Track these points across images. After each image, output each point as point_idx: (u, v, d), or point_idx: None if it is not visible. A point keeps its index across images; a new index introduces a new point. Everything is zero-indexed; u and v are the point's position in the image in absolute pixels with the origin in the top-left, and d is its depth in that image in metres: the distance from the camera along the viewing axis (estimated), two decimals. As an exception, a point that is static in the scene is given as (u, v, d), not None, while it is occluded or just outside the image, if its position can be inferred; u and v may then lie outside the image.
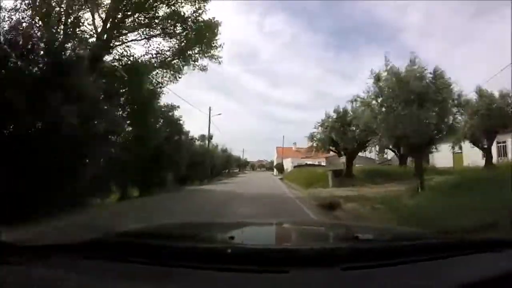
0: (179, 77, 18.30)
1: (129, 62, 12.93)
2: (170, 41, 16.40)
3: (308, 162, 39.34)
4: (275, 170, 50.05)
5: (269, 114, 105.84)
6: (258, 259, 0.85)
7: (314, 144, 17.05)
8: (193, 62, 18.35)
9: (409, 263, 0.90)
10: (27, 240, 1.05)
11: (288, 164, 41.37)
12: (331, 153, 29.73)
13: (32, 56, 6.78)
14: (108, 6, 12.96)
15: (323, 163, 39.35)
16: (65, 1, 11.55)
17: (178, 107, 15.04)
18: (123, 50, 13.51)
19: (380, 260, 0.88)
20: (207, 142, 26.91)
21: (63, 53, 7.24)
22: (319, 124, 16.92)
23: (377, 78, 10.08)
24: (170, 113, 14.78)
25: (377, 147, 13.50)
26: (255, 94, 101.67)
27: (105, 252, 0.92)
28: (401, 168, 20.57)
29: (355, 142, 15.50)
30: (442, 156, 25.32)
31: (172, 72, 18.20)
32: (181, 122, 15.85)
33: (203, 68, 18.70)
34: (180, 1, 14.37)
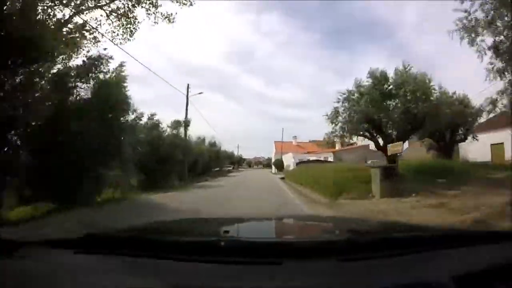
0: (134, 29, 12.41)
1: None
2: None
3: (312, 158, 33.66)
4: (273, 167, 43.97)
5: (266, 112, 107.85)
6: (251, 251, 0.87)
7: (338, 128, 10.91)
8: (154, 8, 12.43)
9: (406, 254, 0.92)
10: (26, 237, 1.08)
11: (289, 160, 35.42)
12: (337, 146, 24.41)
13: None
14: None
15: (330, 159, 33.65)
16: None
17: (111, 58, 8.58)
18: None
19: (377, 252, 0.90)
20: (183, 130, 20.39)
21: None
22: (344, 96, 10.83)
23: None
24: (100, 71, 8.46)
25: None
26: (252, 92, 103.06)
27: (102, 247, 0.94)
28: (451, 162, 15.01)
29: (408, 121, 9.56)
30: (476, 148, 19.71)
31: (123, 21, 12.22)
32: (125, 88, 9.17)
33: (169, 18, 12.76)
34: None
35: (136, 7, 11.72)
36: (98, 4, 11.03)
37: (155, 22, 12.56)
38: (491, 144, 20.26)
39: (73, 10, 10.33)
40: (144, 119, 13.53)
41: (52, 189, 7.36)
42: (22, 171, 6.16)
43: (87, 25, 10.93)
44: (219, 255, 0.84)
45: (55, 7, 8.79)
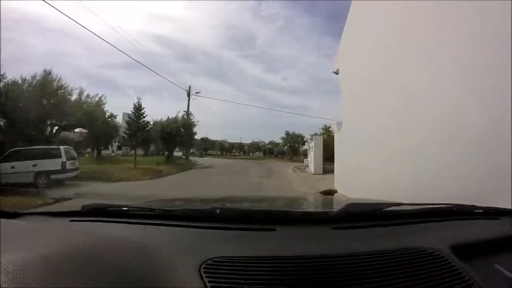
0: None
1: None
2: None
3: None
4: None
5: (266, 99, 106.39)
6: (245, 219, 0.92)
7: None
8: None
9: (403, 224, 0.95)
10: (26, 208, 1.17)
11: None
12: None
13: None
14: None
15: None
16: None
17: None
18: None
19: (372, 222, 0.93)
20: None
21: None
22: None
23: None
24: None
25: None
26: (251, 79, 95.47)
27: (99, 216, 0.98)
28: None
29: None
30: None
31: None
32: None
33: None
34: None
35: None
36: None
37: None
38: None
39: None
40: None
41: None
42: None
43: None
44: (215, 222, 0.88)
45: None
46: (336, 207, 1.22)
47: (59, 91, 11.45)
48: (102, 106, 14.30)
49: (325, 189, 6.86)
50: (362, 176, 5.62)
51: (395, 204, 1.16)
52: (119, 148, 26.64)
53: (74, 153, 9.70)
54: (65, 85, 11.76)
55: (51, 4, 11.12)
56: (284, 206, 1.56)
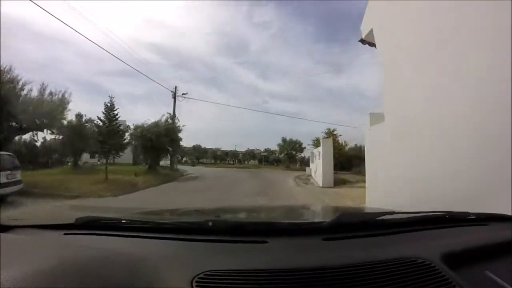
0: None
1: None
2: None
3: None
4: None
5: (260, 106, 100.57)
6: (236, 231, 0.91)
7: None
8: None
9: (392, 234, 0.94)
10: (18, 220, 1.11)
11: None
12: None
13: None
14: None
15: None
16: None
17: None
18: None
19: (363, 232, 0.91)
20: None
21: None
22: None
23: None
24: None
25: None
26: (245, 86, 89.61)
27: (92, 229, 0.95)
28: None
29: None
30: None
31: None
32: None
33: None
34: None
35: None
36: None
37: None
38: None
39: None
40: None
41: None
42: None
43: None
44: (207, 235, 0.87)
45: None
46: (329, 218, 1.13)
47: (8, 86, 9.25)
48: (66, 106, 12.00)
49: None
50: (415, 189, 3.57)
51: (388, 213, 1.12)
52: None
53: (15, 162, 7.41)
54: (17, 78, 9.59)
55: (44, 8, 10.28)
56: (277, 217, 1.57)
